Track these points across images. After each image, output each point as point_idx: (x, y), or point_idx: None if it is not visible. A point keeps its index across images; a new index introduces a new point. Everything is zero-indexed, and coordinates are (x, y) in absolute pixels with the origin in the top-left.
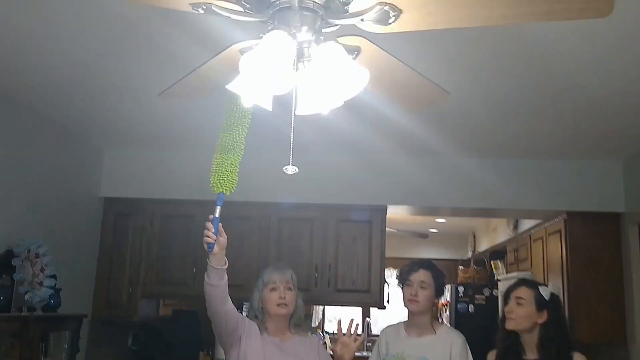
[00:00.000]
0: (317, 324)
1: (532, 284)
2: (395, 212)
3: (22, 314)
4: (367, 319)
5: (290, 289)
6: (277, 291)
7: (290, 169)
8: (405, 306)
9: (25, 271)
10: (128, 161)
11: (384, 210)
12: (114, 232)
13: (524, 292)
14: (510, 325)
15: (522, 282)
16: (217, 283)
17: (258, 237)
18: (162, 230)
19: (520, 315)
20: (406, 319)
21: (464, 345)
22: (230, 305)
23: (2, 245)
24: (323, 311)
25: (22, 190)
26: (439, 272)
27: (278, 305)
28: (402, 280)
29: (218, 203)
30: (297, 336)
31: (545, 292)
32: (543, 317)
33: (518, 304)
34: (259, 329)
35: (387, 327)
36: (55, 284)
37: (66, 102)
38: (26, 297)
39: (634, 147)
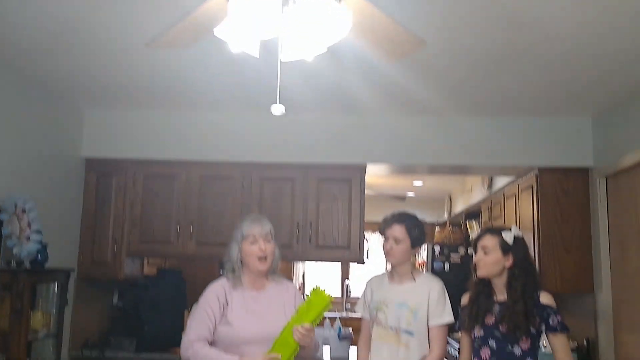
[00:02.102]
0: (297, 287)
1: (495, 231)
2: (374, 172)
3: (11, 267)
4: (346, 281)
5: (269, 241)
6: (257, 244)
7: (277, 108)
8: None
9: (12, 225)
10: (109, 121)
11: (363, 168)
12: (97, 192)
13: (488, 240)
14: (480, 273)
15: (486, 231)
16: None
17: (240, 196)
18: (144, 190)
19: (487, 263)
20: (390, 269)
21: (442, 291)
22: (208, 339)
23: None
24: (303, 275)
25: (4, 149)
26: (414, 224)
27: (259, 259)
28: (381, 234)
29: None
30: (273, 284)
31: (508, 236)
32: (509, 261)
33: (484, 252)
34: (234, 285)
35: (372, 277)
36: (42, 240)
37: (46, 59)
38: (14, 251)
39: (602, 104)
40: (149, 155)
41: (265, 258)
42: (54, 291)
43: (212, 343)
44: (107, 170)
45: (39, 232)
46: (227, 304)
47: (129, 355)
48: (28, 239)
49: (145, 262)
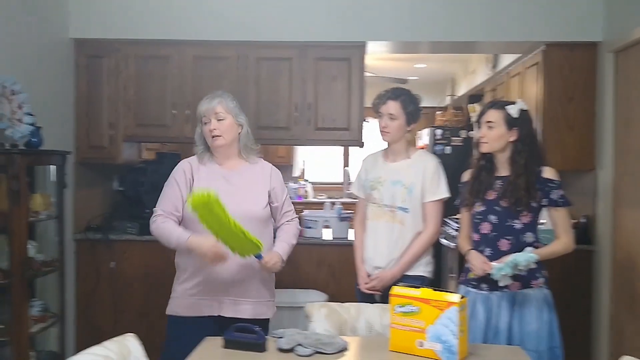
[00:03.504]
0: (298, 173)
1: (500, 105)
2: (374, 52)
3: (5, 149)
4: (346, 168)
5: (221, 119)
6: (209, 124)
7: None
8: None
9: (2, 107)
10: (96, 0)
11: (362, 46)
12: (88, 74)
13: (493, 115)
14: (484, 149)
15: (490, 105)
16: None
17: (235, 77)
18: (137, 72)
19: (492, 137)
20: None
21: (437, 167)
22: (178, 214)
23: None
24: (304, 162)
25: None
26: (409, 99)
27: (213, 137)
28: (375, 111)
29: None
30: (247, 164)
31: (513, 110)
32: (514, 135)
33: (489, 127)
34: (201, 160)
35: (367, 155)
36: (35, 122)
37: None
38: (7, 133)
39: None
40: (140, 35)
41: (219, 136)
42: (52, 174)
43: (182, 218)
44: (97, 52)
45: (30, 114)
46: (193, 179)
47: (133, 237)
48: (20, 120)
49: (144, 147)
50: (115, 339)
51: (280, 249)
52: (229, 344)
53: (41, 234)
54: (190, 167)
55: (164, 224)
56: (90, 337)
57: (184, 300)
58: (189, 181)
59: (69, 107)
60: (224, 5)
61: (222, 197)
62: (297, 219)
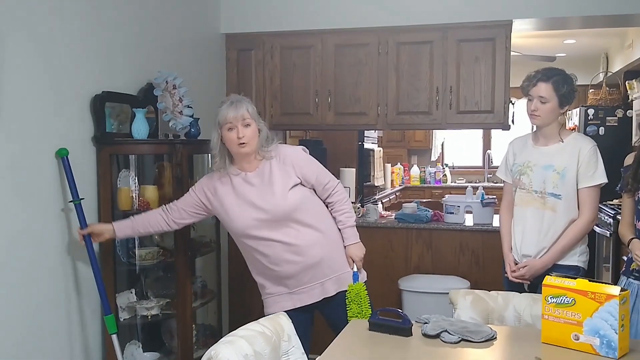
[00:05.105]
0: (436, 157)
1: None
2: (520, 31)
3: (169, 139)
4: (488, 151)
5: (247, 125)
6: (234, 130)
7: None
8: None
9: (166, 101)
10: None
11: (508, 25)
12: (238, 67)
13: None
14: None
15: None
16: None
17: (376, 63)
18: (282, 63)
19: None
20: (534, 130)
21: (594, 150)
22: (176, 214)
23: (144, 80)
24: (442, 145)
25: (150, 30)
26: (563, 80)
27: (239, 145)
28: (524, 94)
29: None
30: (264, 161)
31: None
32: None
33: None
34: (220, 176)
35: (514, 138)
36: (193, 114)
37: None
38: (170, 124)
39: None
40: (284, 27)
41: (246, 143)
42: (209, 162)
43: (182, 221)
44: (246, 45)
45: (189, 106)
46: (215, 197)
47: None
48: (181, 113)
49: (288, 134)
50: (268, 316)
51: (350, 239)
52: (374, 327)
53: None
54: (212, 187)
55: (146, 213)
56: (242, 314)
57: None
58: (209, 202)
59: (221, 98)
60: None
61: (245, 205)
62: (339, 188)
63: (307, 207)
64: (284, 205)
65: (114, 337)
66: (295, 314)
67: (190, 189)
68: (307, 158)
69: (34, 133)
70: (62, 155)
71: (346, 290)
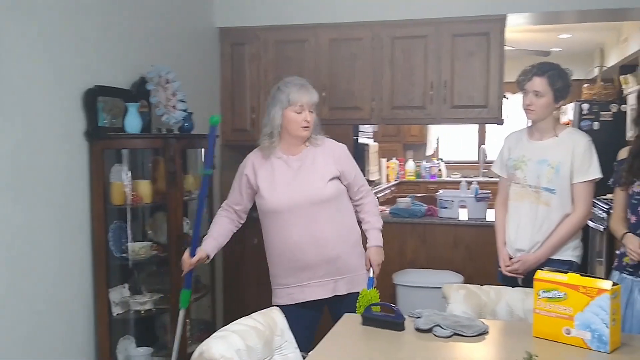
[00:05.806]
0: (431, 152)
1: None
2: (514, 25)
3: (162, 133)
4: (482, 146)
5: (312, 111)
6: (303, 114)
7: None
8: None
9: (159, 95)
10: None
11: (502, 19)
12: (232, 61)
13: None
14: None
15: None
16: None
17: (370, 58)
18: (276, 57)
19: None
20: (529, 125)
21: (588, 145)
22: (233, 203)
23: (137, 74)
24: (437, 140)
25: (143, 24)
26: (558, 75)
27: (303, 127)
28: (520, 88)
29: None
30: (310, 147)
31: None
32: None
33: None
34: (265, 155)
35: (510, 133)
36: (187, 108)
37: None
38: (163, 119)
39: None
40: (278, 21)
41: (308, 127)
42: (203, 156)
43: (246, 210)
44: (240, 39)
45: (183, 101)
46: (256, 176)
47: None
48: (174, 107)
49: None
50: (261, 311)
51: (374, 240)
52: (367, 321)
53: (193, 212)
54: (253, 166)
55: (215, 224)
56: (236, 308)
57: None
58: (253, 178)
59: (215, 93)
60: None
61: (282, 187)
62: (371, 192)
63: (339, 201)
64: (321, 192)
65: (182, 312)
66: (304, 308)
67: (235, 177)
68: (350, 156)
69: (26, 127)
70: (214, 124)
71: (358, 293)
